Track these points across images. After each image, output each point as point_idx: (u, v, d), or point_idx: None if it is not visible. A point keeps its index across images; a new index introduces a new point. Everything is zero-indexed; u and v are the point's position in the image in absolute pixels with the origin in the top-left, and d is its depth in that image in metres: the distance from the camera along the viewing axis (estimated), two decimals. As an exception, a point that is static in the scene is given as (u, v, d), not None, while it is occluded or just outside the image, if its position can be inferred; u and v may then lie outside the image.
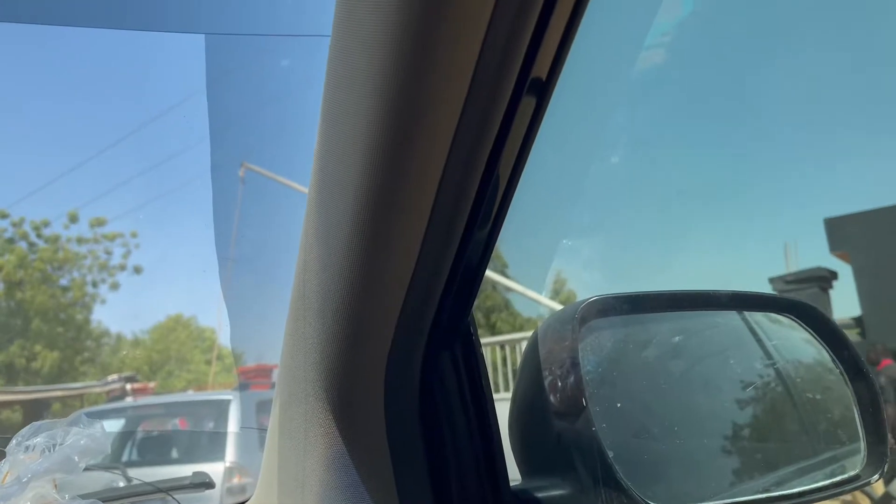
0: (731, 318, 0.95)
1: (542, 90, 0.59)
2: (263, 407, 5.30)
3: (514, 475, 0.82)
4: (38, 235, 16.74)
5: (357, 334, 0.69)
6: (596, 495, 0.78)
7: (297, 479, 0.83)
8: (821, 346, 0.91)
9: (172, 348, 19.32)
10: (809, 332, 0.91)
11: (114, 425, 5.85)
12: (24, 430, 0.79)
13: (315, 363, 0.73)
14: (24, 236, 16.63)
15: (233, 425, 4.87)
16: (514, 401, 0.86)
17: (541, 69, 0.57)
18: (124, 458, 4.71)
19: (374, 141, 0.56)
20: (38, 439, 0.78)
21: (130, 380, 9.09)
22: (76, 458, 0.77)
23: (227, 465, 4.49)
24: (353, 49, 0.55)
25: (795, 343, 0.94)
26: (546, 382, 0.82)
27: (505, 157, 0.60)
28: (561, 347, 0.80)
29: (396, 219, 0.60)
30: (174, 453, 5.30)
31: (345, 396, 0.73)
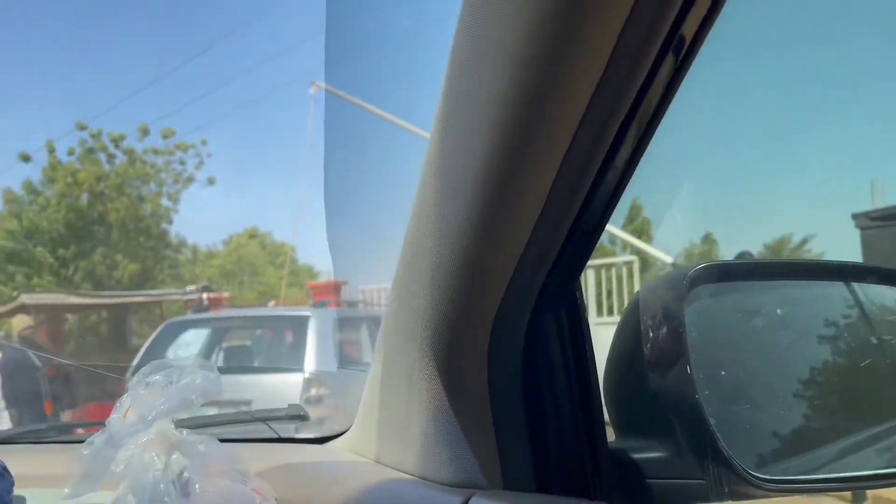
0: (844, 289, 0.91)
1: (689, 48, 0.56)
2: (339, 324, 5.54)
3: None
4: (117, 147, 17.33)
5: (468, 294, 0.69)
6: (694, 460, 0.78)
7: (397, 427, 0.85)
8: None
9: (245, 260, 20.01)
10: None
11: (201, 334, 6.24)
12: (144, 369, 0.83)
13: (424, 319, 0.74)
14: (103, 148, 17.24)
15: (311, 339, 5.09)
16: (611, 359, 0.86)
17: (689, 27, 0.54)
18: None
19: (508, 92, 0.54)
20: (157, 377, 0.82)
21: (206, 289, 9.49)
22: (193, 397, 0.81)
23: (307, 375, 4.72)
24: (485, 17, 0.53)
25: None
26: (648, 344, 0.82)
27: (641, 113, 0.58)
28: (667, 310, 0.79)
29: (522, 179, 0.59)
30: (257, 363, 5.58)
31: (450, 352, 0.75)
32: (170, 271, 18.29)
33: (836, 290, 0.92)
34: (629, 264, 11.76)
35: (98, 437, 0.79)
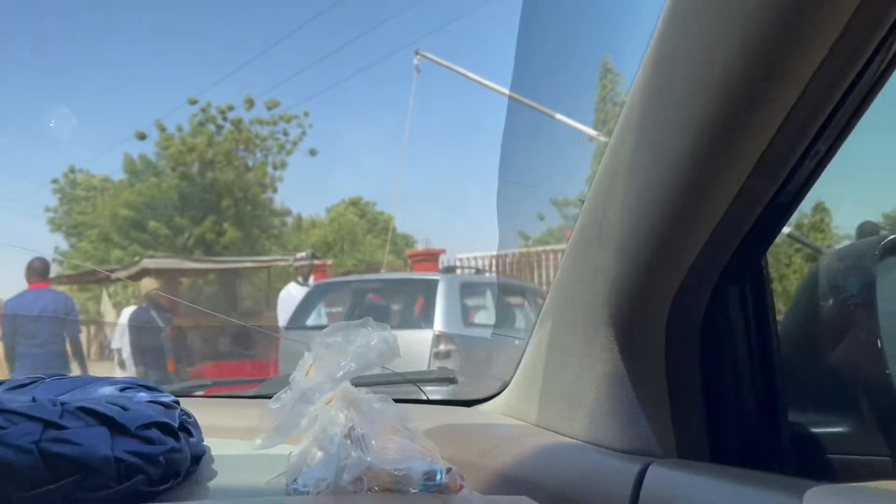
0: None
1: None
2: (465, 289, 5.93)
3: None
4: (224, 118, 18.04)
5: (655, 266, 0.69)
6: (881, 436, 0.76)
7: (566, 393, 0.87)
8: None
9: (345, 229, 20.51)
10: None
11: (345, 295, 6.99)
12: (326, 330, 0.87)
13: (605, 290, 0.74)
14: (212, 119, 17.99)
15: (440, 301, 5.52)
16: (784, 329, 0.84)
17: None
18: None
19: (729, 77, 0.53)
20: (337, 338, 0.87)
21: (313, 257, 9.83)
22: (373, 357, 0.85)
23: (436, 332, 5.09)
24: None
25: None
26: (830, 315, 0.79)
27: (857, 94, 0.56)
28: (855, 282, 0.77)
29: (729, 154, 0.59)
30: (393, 320, 6.07)
31: (630, 322, 0.75)
32: (275, 239, 19.00)
33: None
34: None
35: (286, 394, 0.84)
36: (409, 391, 1.28)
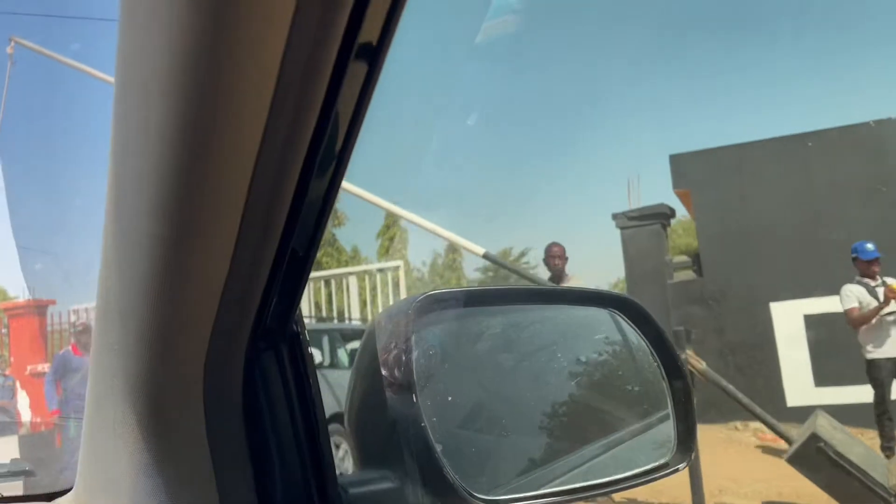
0: (560, 312, 0.98)
1: (374, 54, 0.54)
2: None
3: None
4: None
5: (167, 337, 0.63)
6: (423, 488, 0.78)
7: (111, 481, 0.77)
8: (642, 341, 0.95)
9: None
10: (632, 327, 0.96)
11: None
12: None
13: (123, 367, 0.67)
14: None
15: None
16: (350, 391, 0.85)
17: (370, 33, 0.52)
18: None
19: (172, 132, 0.49)
20: None
21: None
22: None
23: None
24: (145, 24, 0.48)
25: (618, 337, 0.98)
26: (381, 374, 0.81)
27: (331, 132, 0.55)
28: (395, 340, 0.79)
29: (204, 215, 0.55)
30: None
31: (158, 399, 0.68)
32: None
33: (559, 313, 0.98)
34: (395, 270, 12.07)
35: None
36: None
